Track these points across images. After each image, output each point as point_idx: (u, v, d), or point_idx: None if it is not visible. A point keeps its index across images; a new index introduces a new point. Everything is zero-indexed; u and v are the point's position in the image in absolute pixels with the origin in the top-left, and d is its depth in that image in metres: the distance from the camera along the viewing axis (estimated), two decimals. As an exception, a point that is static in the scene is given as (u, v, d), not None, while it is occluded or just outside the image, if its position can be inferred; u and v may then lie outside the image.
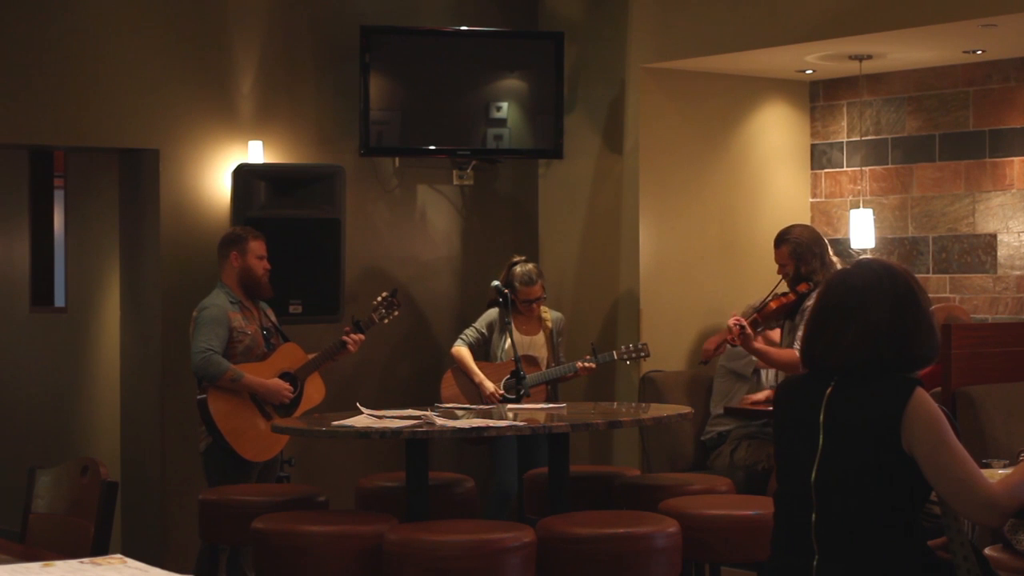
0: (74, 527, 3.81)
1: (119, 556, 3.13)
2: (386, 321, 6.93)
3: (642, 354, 7.29)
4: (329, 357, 6.76)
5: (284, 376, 6.63)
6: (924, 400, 3.36)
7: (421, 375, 8.02)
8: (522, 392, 6.96)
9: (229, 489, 6.23)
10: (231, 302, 6.59)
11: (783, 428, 3.60)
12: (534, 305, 7.39)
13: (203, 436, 6.55)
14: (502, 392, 7.25)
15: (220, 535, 6.11)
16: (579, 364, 7.29)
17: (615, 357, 7.30)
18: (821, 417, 3.44)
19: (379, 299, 6.92)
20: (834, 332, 3.49)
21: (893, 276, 3.51)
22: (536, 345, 7.44)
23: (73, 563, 3.08)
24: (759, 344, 6.45)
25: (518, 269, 7.41)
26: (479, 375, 7.33)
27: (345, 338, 6.75)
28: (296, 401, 6.66)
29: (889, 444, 3.34)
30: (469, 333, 7.48)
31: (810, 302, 6.46)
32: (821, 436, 3.43)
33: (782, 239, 6.65)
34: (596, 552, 5.30)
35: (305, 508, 5.96)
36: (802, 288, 6.52)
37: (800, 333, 6.36)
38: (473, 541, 5.24)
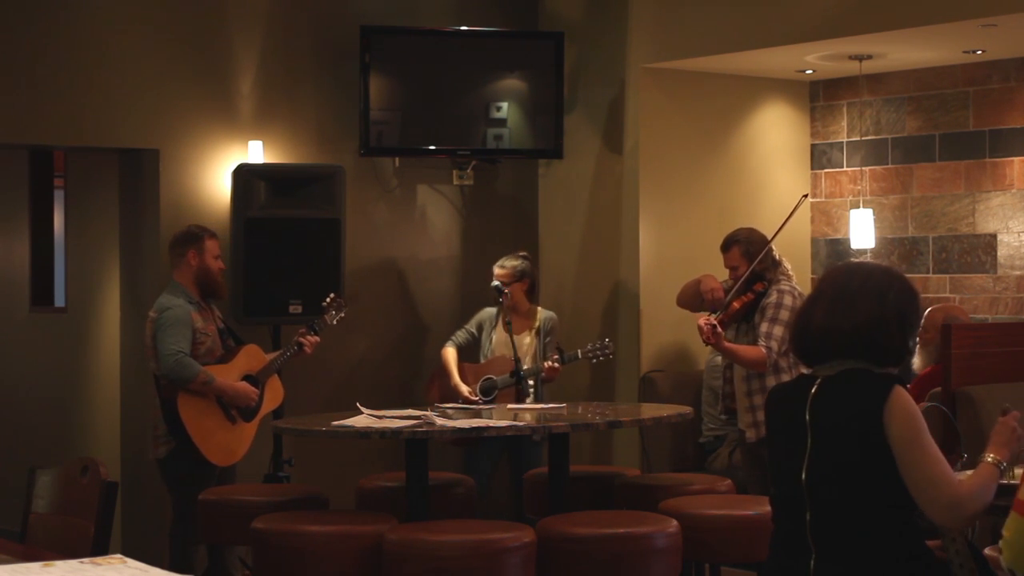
0: (74, 527, 3.82)
1: (119, 556, 3.14)
2: (335, 322, 6.89)
3: (607, 352, 7.21)
4: (287, 359, 6.72)
5: (247, 379, 6.58)
6: (902, 397, 3.43)
7: (421, 375, 8.01)
8: (494, 395, 7.05)
9: (229, 489, 6.23)
10: (190, 302, 6.49)
11: (774, 431, 3.66)
12: (505, 295, 7.32)
13: (162, 441, 6.43)
14: (478, 396, 7.20)
15: (220, 535, 6.11)
16: (545, 364, 7.23)
17: (580, 356, 7.25)
18: (807, 417, 3.50)
19: (327, 301, 6.88)
20: (821, 320, 3.55)
21: (876, 272, 3.60)
22: (521, 344, 7.40)
23: (73, 563, 3.08)
24: (728, 343, 6.46)
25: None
26: (455, 378, 7.30)
27: (301, 339, 6.72)
28: (258, 404, 6.61)
29: (873, 440, 3.39)
30: (459, 334, 7.49)
31: (770, 299, 6.44)
32: (808, 436, 3.49)
33: (732, 240, 6.62)
34: (596, 552, 5.31)
35: (305, 508, 5.96)
36: (759, 287, 6.51)
37: (764, 330, 6.37)
38: (473, 541, 5.24)
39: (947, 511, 3.37)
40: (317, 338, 6.76)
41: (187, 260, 6.55)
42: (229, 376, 6.47)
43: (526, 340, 7.40)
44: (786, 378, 6.28)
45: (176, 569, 6.23)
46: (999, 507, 3.59)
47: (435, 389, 7.43)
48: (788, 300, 6.41)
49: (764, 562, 3.67)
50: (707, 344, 6.40)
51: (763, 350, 6.36)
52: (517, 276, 7.38)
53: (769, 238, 6.58)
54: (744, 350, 6.44)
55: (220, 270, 6.61)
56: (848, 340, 3.52)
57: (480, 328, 7.46)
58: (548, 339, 7.45)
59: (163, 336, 6.34)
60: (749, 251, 6.51)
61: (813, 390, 3.52)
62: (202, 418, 6.37)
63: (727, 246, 6.61)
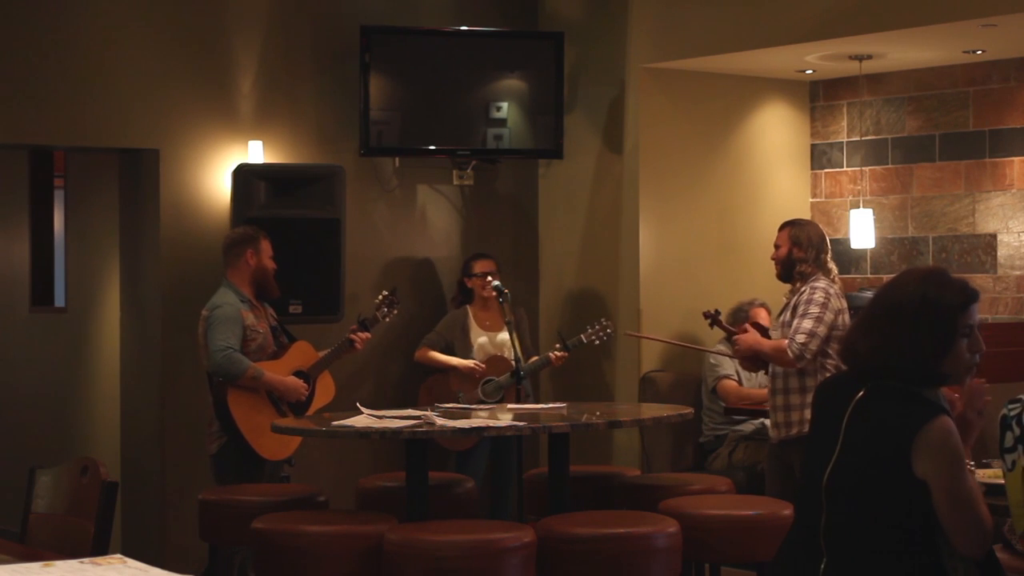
0: (74, 527, 3.82)
1: (119, 556, 3.14)
2: (387, 319, 6.94)
3: (608, 330, 7.35)
4: (338, 355, 6.76)
5: (297, 374, 6.63)
6: (939, 432, 3.28)
7: (420, 375, 8.01)
8: (501, 395, 7.19)
9: (229, 489, 6.22)
10: (241, 300, 6.54)
11: (814, 424, 3.58)
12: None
13: (215, 437, 6.49)
14: (487, 375, 7.32)
15: (220, 535, 6.11)
16: (552, 355, 7.34)
17: (584, 341, 7.33)
18: (844, 422, 3.40)
19: (380, 298, 6.94)
20: (863, 333, 3.46)
21: (904, 287, 3.43)
22: (502, 343, 7.43)
23: (73, 563, 3.08)
24: (755, 341, 6.32)
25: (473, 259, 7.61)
26: (451, 360, 7.40)
27: (352, 336, 6.76)
28: (309, 399, 6.65)
29: (898, 466, 3.29)
30: (431, 337, 7.56)
31: (803, 295, 6.16)
32: (840, 441, 3.40)
33: (788, 223, 6.43)
34: (596, 552, 5.30)
35: (305, 508, 5.96)
36: (798, 285, 6.33)
37: (794, 325, 6.05)
38: (473, 541, 5.24)
39: (981, 548, 3.31)
40: (368, 334, 6.80)
41: (245, 260, 6.59)
42: (280, 372, 6.53)
43: (506, 336, 7.40)
44: (809, 381, 6.08)
45: (217, 568, 6.26)
46: (999, 507, 3.58)
47: (429, 395, 7.42)
48: (820, 296, 6.13)
49: (778, 551, 3.63)
50: (742, 357, 6.31)
51: (783, 342, 6.09)
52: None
53: (815, 242, 6.29)
54: (766, 344, 6.21)
55: (274, 270, 6.66)
56: (867, 363, 3.41)
57: (452, 331, 7.48)
58: (522, 329, 7.52)
59: (213, 333, 6.41)
60: (798, 236, 6.26)
61: (859, 395, 3.40)
62: (253, 413, 6.43)
63: (783, 225, 6.40)
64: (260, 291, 6.64)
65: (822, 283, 6.22)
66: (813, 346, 6.04)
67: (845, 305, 6.21)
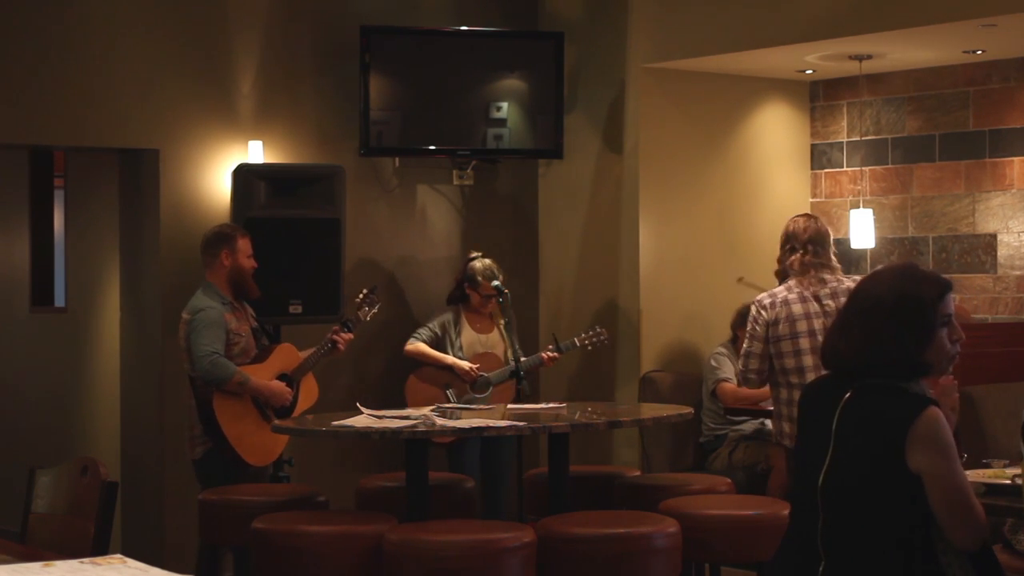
0: (74, 527, 3.82)
1: (119, 556, 3.14)
2: (368, 318, 6.91)
3: (602, 337, 7.39)
4: (320, 357, 6.73)
5: (281, 378, 6.60)
6: (930, 423, 3.30)
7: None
8: (489, 391, 7.26)
9: (229, 489, 6.21)
10: (223, 303, 6.47)
11: (803, 429, 3.59)
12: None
13: (199, 442, 6.44)
14: (479, 372, 7.35)
15: (220, 535, 6.11)
16: (544, 355, 7.39)
17: (576, 344, 7.40)
18: (834, 424, 3.41)
19: (360, 297, 6.90)
20: (843, 333, 3.47)
21: (879, 284, 3.47)
22: (491, 343, 7.47)
23: (73, 563, 3.08)
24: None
25: (478, 264, 7.45)
26: (448, 358, 7.41)
27: (335, 337, 6.72)
28: (293, 403, 6.61)
29: (893, 461, 3.30)
30: (423, 332, 7.56)
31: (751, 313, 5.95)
32: (832, 442, 3.41)
33: (786, 225, 6.25)
34: (596, 552, 5.31)
35: (305, 508, 5.96)
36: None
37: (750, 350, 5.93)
38: (473, 541, 5.24)
39: (977, 541, 3.32)
40: (351, 335, 6.76)
41: (220, 260, 6.51)
42: (264, 375, 6.48)
43: (496, 338, 7.47)
44: (783, 393, 5.88)
45: (206, 572, 6.25)
46: (999, 507, 3.58)
47: (420, 394, 7.42)
48: (752, 311, 5.91)
49: (774, 555, 3.63)
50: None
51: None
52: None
53: (798, 241, 5.89)
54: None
55: (253, 268, 6.58)
56: (850, 363, 3.43)
57: (444, 328, 7.50)
58: (512, 334, 7.53)
59: (197, 338, 6.33)
60: (783, 240, 6.00)
61: (847, 396, 3.42)
62: (238, 419, 6.37)
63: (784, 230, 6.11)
64: (238, 291, 6.54)
65: (762, 295, 5.95)
66: (752, 366, 5.87)
67: (793, 311, 5.81)
